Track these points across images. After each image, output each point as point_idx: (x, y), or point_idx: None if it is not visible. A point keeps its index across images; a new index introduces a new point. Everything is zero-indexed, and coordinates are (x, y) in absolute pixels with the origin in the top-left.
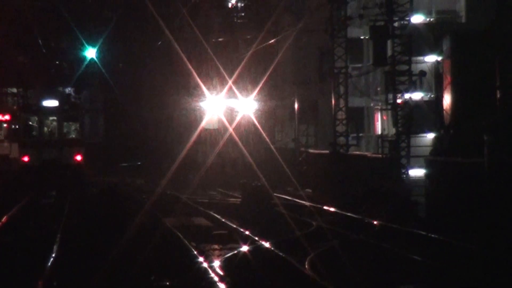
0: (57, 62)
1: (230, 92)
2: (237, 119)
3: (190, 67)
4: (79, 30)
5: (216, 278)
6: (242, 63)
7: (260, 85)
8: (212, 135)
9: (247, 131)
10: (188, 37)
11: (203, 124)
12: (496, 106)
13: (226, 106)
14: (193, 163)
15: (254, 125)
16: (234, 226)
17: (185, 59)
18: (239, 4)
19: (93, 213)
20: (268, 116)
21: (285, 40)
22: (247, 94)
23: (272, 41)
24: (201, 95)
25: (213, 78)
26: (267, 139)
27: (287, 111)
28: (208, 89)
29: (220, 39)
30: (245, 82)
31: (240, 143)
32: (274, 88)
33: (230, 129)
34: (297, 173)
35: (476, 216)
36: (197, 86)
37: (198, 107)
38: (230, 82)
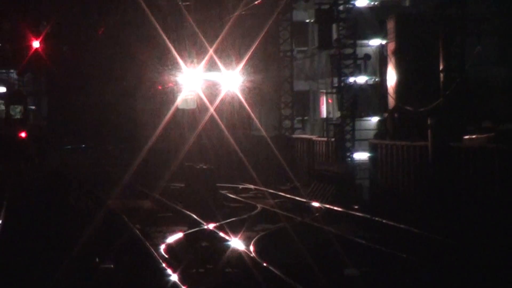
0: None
1: (210, 65)
2: (220, 96)
3: (161, 32)
4: (22, 15)
5: (160, 261)
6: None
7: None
8: (190, 117)
9: (231, 112)
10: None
11: (178, 102)
12: (440, 89)
13: (206, 81)
14: (164, 150)
15: (240, 106)
16: (179, 208)
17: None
18: None
19: (37, 195)
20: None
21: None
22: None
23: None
24: (174, 67)
25: (188, 46)
26: (258, 123)
27: None
28: (183, 60)
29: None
30: (228, 53)
31: (224, 128)
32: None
33: (211, 109)
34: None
35: (420, 199)
36: (168, 56)
37: (171, 82)
38: (211, 51)
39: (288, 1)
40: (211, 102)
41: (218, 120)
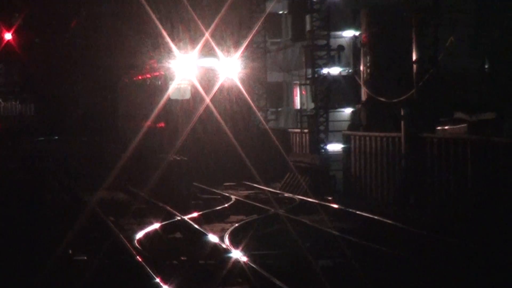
0: None
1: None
2: (217, 85)
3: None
4: None
5: (133, 252)
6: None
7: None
8: (184, 109)
9: (229, 103)
10: None
11: (170, 92)
12: (413, 80)
13: (201, 68)
14: (153, 144)
15: (239, 95)
16: (152, 200)
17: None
18: None
19: (11, 189)
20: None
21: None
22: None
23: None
24: (165, 52)
25: (181, 30)
26: (259, 116)
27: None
28: (175, 45)
29: None
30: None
31: (221, 120)
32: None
33: (207, 100)
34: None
35: (393, 189)
36: (158, 40)
37: (161, 69)
38: (206, 34)
39: None
40: (207, 92)
41: (215, 111)
